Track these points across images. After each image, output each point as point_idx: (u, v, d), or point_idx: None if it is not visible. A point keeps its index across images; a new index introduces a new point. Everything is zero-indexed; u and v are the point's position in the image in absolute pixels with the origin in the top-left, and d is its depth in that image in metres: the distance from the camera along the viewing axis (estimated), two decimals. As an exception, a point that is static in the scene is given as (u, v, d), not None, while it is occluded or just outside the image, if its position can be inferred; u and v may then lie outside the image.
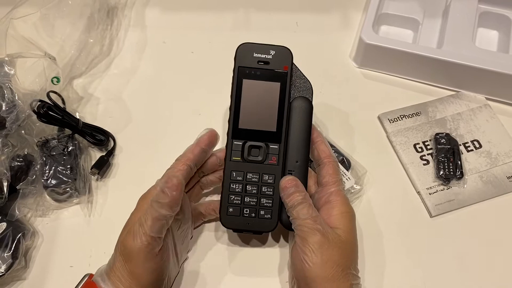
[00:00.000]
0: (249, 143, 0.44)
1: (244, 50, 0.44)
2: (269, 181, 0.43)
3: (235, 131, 0.44)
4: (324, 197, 0.43)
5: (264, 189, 0.43)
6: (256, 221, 0.43)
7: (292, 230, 0.43)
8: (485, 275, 0.48)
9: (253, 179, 0.43)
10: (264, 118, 0.44)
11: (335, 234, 0.40)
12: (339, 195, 0.43)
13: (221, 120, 0.55)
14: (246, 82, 0.43)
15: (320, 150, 0.45)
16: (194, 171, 0.45)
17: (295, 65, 0.45)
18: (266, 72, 0.43)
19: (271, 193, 0.43)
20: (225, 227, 0.44)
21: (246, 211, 0.43)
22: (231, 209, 0.43)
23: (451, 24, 0.62)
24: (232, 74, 0.44)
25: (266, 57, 0.43)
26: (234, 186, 0.43)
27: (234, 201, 0.43)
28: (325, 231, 0.40)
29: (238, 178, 0.43)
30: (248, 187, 0.43)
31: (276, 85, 0.43)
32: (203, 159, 0.45)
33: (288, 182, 0.42)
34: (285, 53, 0.44)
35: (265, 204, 0.43)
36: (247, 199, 0.43)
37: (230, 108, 0.44)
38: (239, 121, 0.44)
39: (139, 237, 0.39)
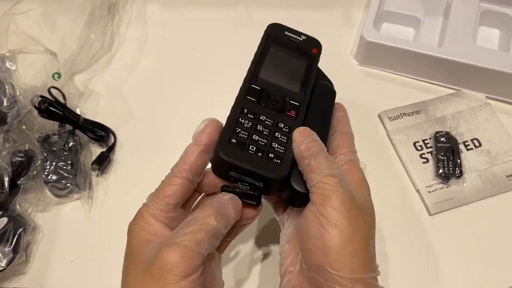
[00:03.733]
0: (268, 90, 0.38)
1: (275, 27, 0.43)
2: (284, 129, 0.36)
3: (255, 77, 0.39)
4: (339, 164, 0.37)
5: (277, 134, 0.36)
6: (262, 162, 0.34)
7: (300, 205, 0.35)
8: (484, 273, 0.48)
9: (266, 122, 0.36)
10: (288, 79, 0.40)
11: (361, 198, 0.34)
12: (356, 164, 0.37)
13: (224, 117, 0.55)
14: (274, 48, 0.41)
15: (341, 121, 0.39)
16: (196, 183, 0.36)
17: (321, 69, 0.44)
18: (296, 46, 0.42)
19: (285, 141, 0.36)
20: (222, 159, 0.34)
21: (252, 148, 0.34)
22: (234, 140, 0.34)
23: (452, 22, 0.62)
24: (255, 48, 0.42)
25: (297, 38, 0.43)
26: (242, 121, 0.36)
27: (240, 134, 0.35)
28: (353, 192, 0.33)
29: (250, 115, 0.36)
30: (259, 127, 0.36)
31: (303, 59, 0.42)
32: (205, 163, 0.36)
33: (303, 132, 0.35)
34: (315, 41, 0.44)
35: (276, 148, 0.35)
36: (255, 137, 0.35)
37: (251, 63, 0.40)
38: (261, 71, 0.39)
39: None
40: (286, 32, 0.43)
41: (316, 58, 0.42)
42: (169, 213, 0.34)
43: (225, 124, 0.36)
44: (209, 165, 0.37)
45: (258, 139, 0.35)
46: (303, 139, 0.35)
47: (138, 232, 0.33)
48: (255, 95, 0.37)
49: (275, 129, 0.36)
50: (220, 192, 0.35)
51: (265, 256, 0.49)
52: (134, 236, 0.33)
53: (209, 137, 0.35)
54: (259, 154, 0.34)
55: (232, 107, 0.37)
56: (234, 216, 0.34)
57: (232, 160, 0.33)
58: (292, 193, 0.35)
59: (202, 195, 0.39)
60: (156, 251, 0.30)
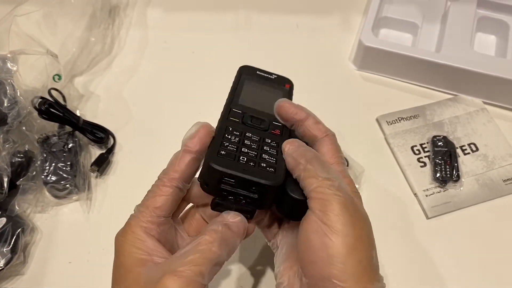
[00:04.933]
0: (249, 114, 0.38)
1: (246, 68, 0.44)
2: (272, 143, 0.35)
3: (235, 103, 0.38)
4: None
5: (266, 148, 0.35)
6: (254, 169, 0.33)
7: (298, 216, 0.33)
8: (480, 277, 0.48)
9: (253, 137, 0.35)
10: (267, 106, 0.39)
11: (358, 204, 0.32)
12: (344, 175, 0.35)
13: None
14: (248, 81, 0.42)
15: (313, 128, 0.36)
16: (185, 190, 0.35)
17: None
18: (269, 82, 0.42)
19: (274, 153, 0.35)
20: (213, 169, 0.32)
21: (243, 158, 0.33)
22: (223, 152, 0.33)
23: (449, 28, 0.63)
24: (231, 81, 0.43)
25: (269, 76, 0.43)
26: (229, 137, 0.34)
27: (229, 147, 0.33)
28: (354, 196, 0.31)
29: (236, 132, 0.35)
30: (247, 142, 0.35)
31: (278, 90, 0.42)
32: (196, 170, 0.34)
33: (294, 142, 0.34)
34: (286, 79, 0.43)
35: (267, 159, 0.34)
36: (244, 149, 0.34)
37: (229, 94, 0.40)
38: (240, 98, 0.39)
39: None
40: (258, 72, 0.43)
41: (290, 91, 0.42)
42: (160, 226, 0.33)
43: (212, 140, 0.34)
44: (197, 175, 0.35)
45: (247, 151, 0.34)
46: (295, 147, 0.33)
47: (129, 249, 0.32)
48: (238, 116, 0.37)
49: (263, 144, 0.35)
50: (211, 207, 0.34)
51: (262, 272, 0.49)
52: (125, 253, 0.32)
53: (200, 143, 0.34)
54: (251, 163, 0.33)
55: (217, 127, 0.36)
56: (239, 242, 0.32)
57: (224, 169, 0.32)
58: (290, 203, 0.34)
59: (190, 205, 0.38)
60: (156, 276, 0.29)
